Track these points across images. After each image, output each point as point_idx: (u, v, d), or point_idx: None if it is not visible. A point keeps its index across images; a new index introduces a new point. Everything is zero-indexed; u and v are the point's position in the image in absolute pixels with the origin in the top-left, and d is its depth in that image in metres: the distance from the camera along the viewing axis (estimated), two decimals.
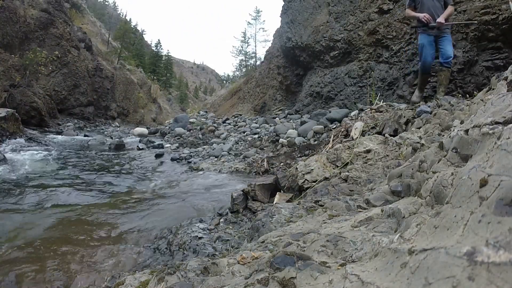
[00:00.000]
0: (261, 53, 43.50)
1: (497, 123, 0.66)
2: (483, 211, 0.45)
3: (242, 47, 32.58)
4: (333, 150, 2.73)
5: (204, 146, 7.31)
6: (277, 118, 9.66)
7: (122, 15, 56.91)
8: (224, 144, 7.01)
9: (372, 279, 0.57)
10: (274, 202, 2.22)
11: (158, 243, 2.23)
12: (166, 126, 13.09)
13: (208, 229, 2.29)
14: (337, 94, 8.19)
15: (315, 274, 0.69)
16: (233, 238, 2.00)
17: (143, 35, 47.79)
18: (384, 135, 2.93)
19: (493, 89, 1.96)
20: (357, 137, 3.00)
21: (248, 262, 0.92)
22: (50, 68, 13.67)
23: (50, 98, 13.32)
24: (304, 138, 5.66)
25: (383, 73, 6.84)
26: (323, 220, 1.29)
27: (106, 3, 53.98)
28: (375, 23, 7.07)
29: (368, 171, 2.17)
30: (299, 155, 4.51)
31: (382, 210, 1.08)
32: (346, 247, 0.85)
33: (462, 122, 1.65)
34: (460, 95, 3.93)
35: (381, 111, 4.01)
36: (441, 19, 3.81)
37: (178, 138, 9.09)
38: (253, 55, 31.63)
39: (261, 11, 35.55)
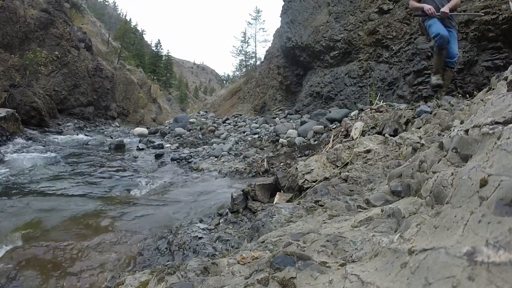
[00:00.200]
0: (261, 53, 43.51)
1: (497, 123, 0.66)
2: (483, 211, 0.45)
3: (242, 47, 32.60)
4: (333, 150, 2.73)
5: (204, 146, 7.31)
6: (277, 118, 9.66)
7: (122, 15, 56.92)
8: (224, 144, 7.01)
9: (372, 279, 0.57)
10: (274, 202, 2.22)
11: (158, 243, 2.23)
12: (166, 126, 13.09)
13: (208, 229, 2.29)
14: (337, 94, 8.19)
15: (315, 274, 0.69)
16: (233, 238, 2.00)
17: (143, 35, 47.79)
18: (384, 135, 2.93)
19: (493, 89, 1.96)
20: (357, 137, 3.00)
21: (248, 262, 0.92)
22: (50, 68, 13.67)
23: (50, 98, 13.32)
24: (304, 138, 5.66)
25: (383, 73, 6.84)
26: (323, 220, 1.29)
27: (106, 3, 53.98)
28: (375, 23, 7.07)
29: (368, 171, 2.17)
30: (299, 155, 4.51)
31: (382, 210, 1.08)
32: (346, 247, 0.85)
33: (462, 122, 1.65)
34: (460, 95, 3.92)
35: (381, 111, 4.01)
36: (445, 9, 3.60)
37: (178, 138, 9.09)
38: (253, 55, 31.65)
39: (261, 11, 35.61)
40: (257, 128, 8.66)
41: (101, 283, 1.81)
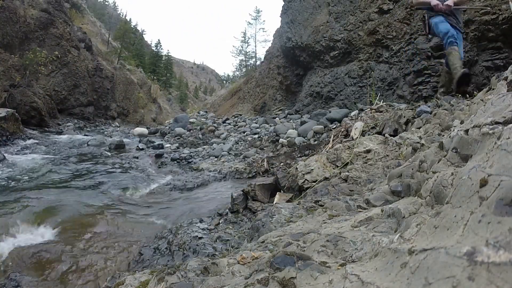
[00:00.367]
0: (261, 53, 43.48)
1: (497, 123, 0.66)
2: (483, 211, 0.45)
3: (242, 47, 32.60)
4: (333, 150, 2.73)
5: (204, 146, 7.31)
6: (277, 118, 9.66)
7: (122, 15, 56.90)
8: (224, 144, 7.01)
9: (372, 279, 0.57)
10: (274, 202, 2.22)
11: (158, 243, 2.23)
12: (166, 126, 13.09)
13: (208, 229, 2.29)
14: (337, 94, 8.19)
15: (315, 274, 0.69)
16: (233, 238, 2.00)
17: (143, 35, 47.78)
18: (384, 135, 2.93)
19: (493, 89, 1.96)
20: (357, 137, 3.00)
21: (248, 262, 0.92)
22: (50, 68, 13.66)
23: (50, 98, 13.31)
24: (304, 138, 5.66)
25: (383, 73, 6.84)
26: (323, 220, 1.29)
27: (106, 3, 53.97)
28: (375, 23, 7.07)
29: (368, 171, 2.17)
30: (299, 155, 4.51)
31: (382, 210, 1.08)
32: (346, 247, 0.85)
33: (462, 122, 1.65)
34: (460, 95, 3.92)
35: (381, 111, 4.01)
36: (449, 2, 3.45)
37: (178, 138, 9.09)
38: (253, 55, 31.65)
39: (261, 11, 35.62)
40: (257, 128, 8.66)
41: (101, 283, 1.81)
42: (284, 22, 10.70)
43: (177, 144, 8.00)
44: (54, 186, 3.87)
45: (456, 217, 0.52)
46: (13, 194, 3.46)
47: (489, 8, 4.53)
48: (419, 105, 3.38)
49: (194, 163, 5.60)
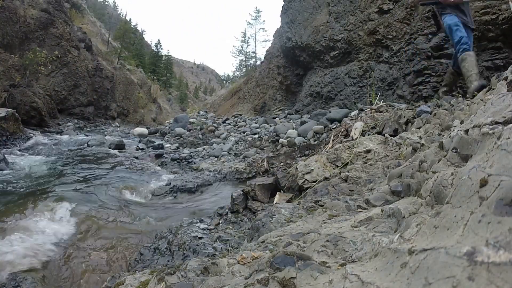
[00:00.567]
0: (261, 53, 43.48)
1: (497, 123, 0.66)
2: (483, 211, 0.45)
3: (242, 47, 32.61)
4: (333, 150, 2.73)
5: (204, 146, 7.31)
6: (277, 118, 9.66)
7: (122, 15, 56.89)
8: (224, 144, 7.01)
9: (372, 279, 0.57)
10: (274, 202, 2.22)
11: (158, 243, 2.22)
12: (166, 126, 13.09)
13: (208, 229, 2.29)
14: (337, 94, 8.19)
15: (315, 274, 0.69)
16: (233, 238, 2.00)
17: (143, 35, 47.77)
18: (384, 135, 2.93)
19: (493, 89, 1.96)
20: (357, 137, 3.00)
21: (248, 262, 0.92)
22: (50, 68, 13.66)
23: (50, 98, 13.31)
24: (304, 138, 5.66)
25: (383, 73, 6.84)
26: (323, 220, 1.29)
27: (106, 3, 53.96)
28: (375, 23, 7.07)
29: (368, 171, 2.17)
30: (299, 155, 4.51)
31: (382, 210, 1.08)
32: (346, 247, 0.85)
33: (462, 122, 1.65)
34: (460, 95, 3.91)
35: (381, 111, 4.01)
36: None
37: (178, 138, 9.09)
38: (253, 55, 31.65)
39: (261, 11, 35.63)
40: (257, 128, 8.66)
41: (101, 283, 1.81)
42: (284, 22, 10.70)
43: (177, 144, 8.00)
44: (52, 187, 3.87)
45: (456, 217, 0.52)
46: (13, 194, 3.46)
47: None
48: (419, 105, 3.38)
49: (194, 163, 5.60)
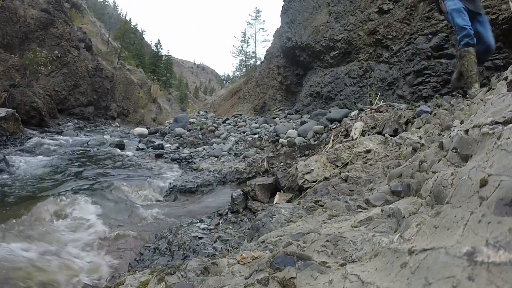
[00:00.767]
0: (261, 53, 43.47)
1: (497, 123, 0.66)
2: (483, 211, 0.45)
3: (242, 47, 32.60)
4: (333, 150, 2.73)
5: (204, 146, 7.31)
6: (277, 118, 9.66)
7: (122, 15, 56.89)
8: (224, 144, 7.01)
9: (372, 279, 0.57)
10: (274, 202, 2.22)
11: (158, 243, 2.22)
12: (166, 126, 13.09)
13: (208, 229, 2.29)
14: (337, 94, 8.19)
15: (315, 274, 0.69)
16: (233, 238, 2.00)
17: (143, 35, 47.77)
18: (384, 135, 2.93)
19: (493, 89, 1.96)
20: (357, 137, 3.00)
21: (248, 262, 0.92)
22: (50, 68, 13.66)
23: (50, 98, 13.31)
24: (304, 138, 5.66)
25: (383, 73, 6.84)
26: (323, 220, 1.29)
27: (106, 3, 53.96)
28: (375, 23, 7.07)
29: (368, 171, 2.17)
30: (299, 155, 4.51)
31: (382, 210, 1.08)
32: (346, 247, 0.85)
33: (462, 122, 1.65)
34: (460, 95, 3.91)
35: (381, 111, 4.01)
36: None
37: (178, 138, 9.09)
38: (253, 55, 31.65)
39: (261, 11, 35.61)
40: (257, 128, 8.66)
41: (101, 283, 1.81)
42: (284, 22, 10.70)
43: (177, 144, 8.00)
44: (51, 187, 3.88)
45: (456, 217, 0.52)
46: (13, 194, 3.46)
47: None
48: (419, 105, 3.38)
49: (194, 163, 5.60)
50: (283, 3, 10.90)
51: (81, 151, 6.83)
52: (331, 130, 5.08)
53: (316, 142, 5.09)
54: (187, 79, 69.42)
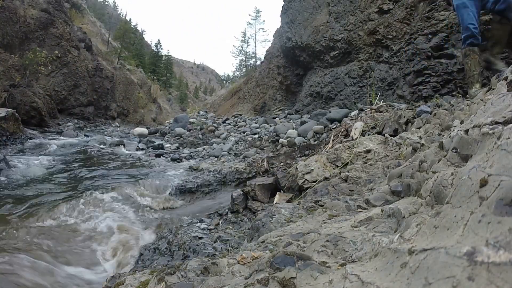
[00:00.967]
0: (261, 53, 43.49)
1: (497, 123, 0.66)
2: (483, 211, 0.45)
3: (242, 47, 32.61)
4: (333, 150, 2.73)
5: (204, 146, 7.31)
6: (277, 118, 9.66)
7: (122, 15, 56.91)
8: (224, 144, 7.01)
9: (372, 279, 0.57)
10: (274, 202, 2.22)
11: (158, 243, 2.23)
12: (166, 126, 13.09)
13: (208, 229, 2.29)
14: (337, 94, 8.19)
15: (315, 274, 0.69)
16: (233, 238, 2.00)
17: (143, 35, 47.79)
18: (384, 135, 2.93)
19: (493, 89, 1.96)
20: (357, 137, 3.00)
21: (248, 262, 0.92)
22: (50, 68, 13.66)
23: (50, 98, 13.31)
24: (304, 138, 5.66)
25: (383, 73, 6.83)
26: (323, 220, 1.29)
27: (106, 3, 53.97)
28: (375, 23, 7.07)
29: (368, 171, 2.17)
30: (299, 155, 4.51)
31: (382, 210, 1.08)
32: (346, 247, 0.85)
33: (462, 122, 1.65)
34: (460, 95, 3.91)
35: (381, 111, 4.01)
36: None
37: (178, 138, 9.09)
38: (253, 55, 31.65)
39: (261, 11, 35.60)
40: (257, 128, 8.66)
41: (101, 283, 1.81)
42: (284, 22, 10.70)
43: (177, 144, 8.00)
44: (51, 188, 3.88)
45: (456, 217, 0.52)
46: (13, 194, 3.46)
47: None
48: (419, 105, 3.38)
49: (194, 163, 5.60)
50: (283, 3, 10.90)
51: (80, 151, 6.83)
52: (331, 130, 5.08)
53: (316, 142, 5.09)
54: (187, 79, 69.41)
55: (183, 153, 6.46)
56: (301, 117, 8.38)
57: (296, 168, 2.58)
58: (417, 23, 6.03)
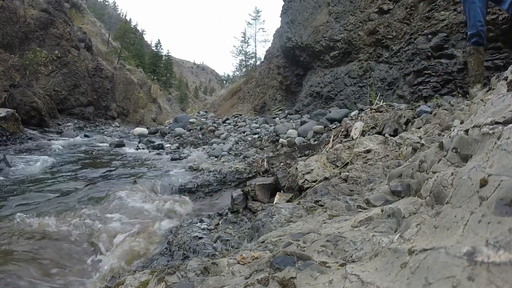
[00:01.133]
0: (261, 53, 43.50)
1: (497, 123, 0.66)
2: (483, 211, 0.45)
3: (242, 47, 32.63)
4: (333, 150, 2.73)
5: (204, 146, 7.31)
6: (277, 118, 9.66)
7: (122, 15, 56.91)
8: (224, 144, 7.01)
9: (372, 279, 0.57)
10: (274, 202, 2.22)
11: (158, 243, 2.22)
12: (166, 126, 13.10)
13: (208, 229, 2.29)
14: (337, 94, 8.19)
15: (315, 274, 0.69)
16: (233, 238, 2.00)
17: (143, 35, 47.81)
18: (384, 135, 2.93)
19: (493, 89, 1.96)
20: (357, 137, 3.00)
21: (248, 262, 0.92)
22: (50, 68, 13.67)
23: (50, 98, 13.32)
24: (304, 138, 5.66)
25: (383, 73, 6.83)
26: (323, 220, 1.29)
27: (106, 3, 53.97)
28: (375, 23, 7.07)
29: (368, 171, 2.17)
30: (299, 155, 4.51)
31: (382, 210, 1.08)
32: (346, 247, 0.85)
33: (462, 122, 1.65)
34: (460, 95, 3.91)
35: (381, 111, 4.01)
36: None
37: (178, 138, 9.10)
38: (253, 55, 31.66)
39: (261, 11, 35.58)
40: (257, 128, 8.66)
41: (101, 283, 1.81)
42: (284, 22, 10.70)
43: (177, 144, 8.00)
44: (49, 187, 3.88)
45: (456, 217, 0.52)
46: (13, 195, 3.46)
47: None
48: (419, 105, 3.38)
49: (194, 163, 5.60)
50: (283, 3, 10.90)
51: (80, 151, 6.83)
52: (331, 130, 5.08)
53: (316, 142, 5.09)
54: (187, 79, 69.41)
55: (183, 153, 6.47)
56: (301, 117, 8.38)
57: (296, 168, 2.58)
58: (417, 23, 6.03)
